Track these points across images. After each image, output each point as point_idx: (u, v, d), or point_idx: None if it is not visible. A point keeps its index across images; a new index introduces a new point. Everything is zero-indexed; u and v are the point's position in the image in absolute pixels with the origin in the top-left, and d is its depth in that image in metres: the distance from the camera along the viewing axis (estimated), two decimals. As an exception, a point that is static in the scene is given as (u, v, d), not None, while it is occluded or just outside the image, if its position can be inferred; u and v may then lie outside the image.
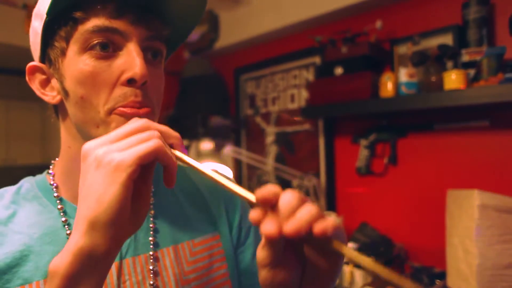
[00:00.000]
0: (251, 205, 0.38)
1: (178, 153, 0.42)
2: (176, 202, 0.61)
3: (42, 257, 0.49)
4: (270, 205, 0.36)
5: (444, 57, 1.37)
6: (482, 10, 1.35)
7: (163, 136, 0.41)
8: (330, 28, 1.85)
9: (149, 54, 0.51)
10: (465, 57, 1.34)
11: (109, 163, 0.37)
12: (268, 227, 0.34)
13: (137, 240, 0.55)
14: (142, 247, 0.54)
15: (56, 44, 0.49)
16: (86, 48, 0.47)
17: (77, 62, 0.47)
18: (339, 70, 1.65)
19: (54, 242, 0.50)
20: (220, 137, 2.18)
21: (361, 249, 1.49)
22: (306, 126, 2.03)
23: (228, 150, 2.02)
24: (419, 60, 1.40)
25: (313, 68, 1.98)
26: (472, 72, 1.31)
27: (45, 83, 0.53)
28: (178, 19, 0.54)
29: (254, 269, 0.63)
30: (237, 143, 2.39)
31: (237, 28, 2.24)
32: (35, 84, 0.53)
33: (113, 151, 0.37)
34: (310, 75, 2.00)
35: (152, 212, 0.58)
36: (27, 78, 0.53)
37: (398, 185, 1.66)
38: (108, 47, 0.47)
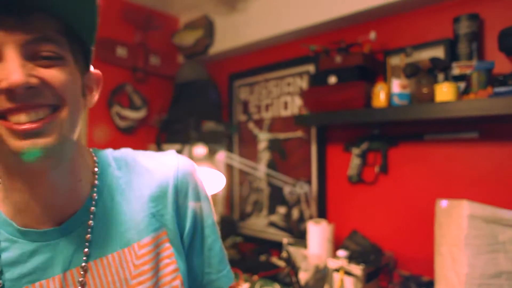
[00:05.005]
0: None
1: None
2: (117, 207, 0.60)
3: None
4: None
5: (435, 70, 1.41)
6: (472, 25, 1.39)
7: None
8: (325, 38, 1.88)
9: (41, 61, 0.47)
10: (456, 70, 1.37)
11: None
12: None
13: (78, 251, 0.55)
14: (76, 260, 0.55)
15: None
16: None
17: None
18: (332, 79, 1.67)
19: None
20: (212, 142, 2.18)
21: (351, 257, 1.51)
22: (299, 133, 2.05)
23: (222, 155, 2.02)
24: (412, 72, 1.43)
25: (307, 76, 2.01)
26: (462, 85, 1.34)
27: None
28: (69, 10, 0.48)
29: (201, 263, 0.66)
30: (229, 149, 2.39)
31: (232, 34, 2.26)
32: None
33: None
34: (303, 83, 2.03)
35: (91, 222, 0.56)
36: None
37: (389, 194, 1.68)
38: None
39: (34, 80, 0.45)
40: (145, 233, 0.59)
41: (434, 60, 1.40)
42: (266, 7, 2.06)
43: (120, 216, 0.59)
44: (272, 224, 2.16)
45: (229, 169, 2.39)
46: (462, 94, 1.34)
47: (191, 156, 2.13)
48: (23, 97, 0.45)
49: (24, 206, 0.53)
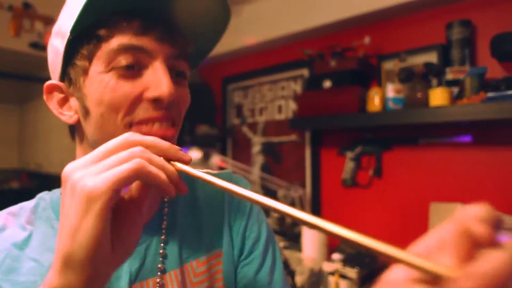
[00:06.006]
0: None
1: (179, 166, 0.39)
2: (182, 221, 0.59)
3: None
4: None
5: (429, 75, 1.43)
6: (465, 32, 1.41)
7: (153, 149, 0.38)
8: (319, 42, 1.89)
9: (173, 74, 0.49)
10: (449, 76, 1.39)
11: (81, 190, 0.33)
12: None
13: (146, 264, 0.53)
14: (150, 273, 0.53)
15: (78, 62, 0.48)
16: (110, 67, 0.46)
17: (100, 81, 0.46)
18: (327, 84, 1.68)
19: None
20: (206, 145, 2.18)
21: (346, 260, 1.51)
22: (293, 137, 2.05)
23: (217, 159, 2.02)
24: (406, 76, 1.45)
25: (301, 80, 2.02)
26: (455, 90, 1.37)
27: (63, 102, 0.51)
28: (200, 35, 0.54)
29: (256, 285, 0.60)
30: (223, 152, 2.39)
31: (226, 38, 2.25)
32: (52, 103, 0.52)
33: (87, 176, 0.34)
34: (298, 87, 2.04)
35: (163, 237, 0.55)
36: (44, 97, 0.51)
37: (383, 197, 1.70)
38: (133, 66, 0.46)
39: (176, 95, 0.47)
40: (203, 251, 0.57)
41: (428, 65, 1.42)
42: (261, 11, 2.07)
43: (185, 230, 0.58)
44: (266, 228, 2.15)
45: (223, 173, 2.38)
46: (455, 99, 1.36)
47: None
48: (166, 108, 0.47)
49: None
